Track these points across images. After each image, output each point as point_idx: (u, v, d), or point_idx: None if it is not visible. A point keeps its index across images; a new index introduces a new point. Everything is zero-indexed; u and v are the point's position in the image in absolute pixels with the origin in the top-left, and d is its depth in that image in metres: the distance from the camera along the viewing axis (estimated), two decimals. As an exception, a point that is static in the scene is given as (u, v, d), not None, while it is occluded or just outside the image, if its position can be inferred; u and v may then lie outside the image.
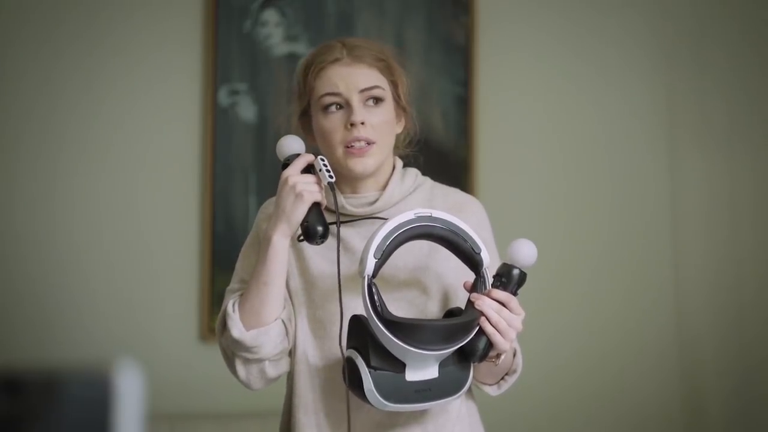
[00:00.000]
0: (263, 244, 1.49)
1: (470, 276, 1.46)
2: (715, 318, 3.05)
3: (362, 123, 1.49)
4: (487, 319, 1.40)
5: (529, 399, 2.92)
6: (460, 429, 1.55)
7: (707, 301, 3.08)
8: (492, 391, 1.59)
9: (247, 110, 2.87)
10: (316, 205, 1.46)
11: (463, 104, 3.02)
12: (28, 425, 0.59)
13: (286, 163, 1.50)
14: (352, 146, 1.50)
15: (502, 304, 1.41)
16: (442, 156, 2.98)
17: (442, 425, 1.52)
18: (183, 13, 2.87)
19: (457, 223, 1.43)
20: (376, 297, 1.35)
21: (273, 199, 1.62)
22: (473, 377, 1.56)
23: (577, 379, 3.03)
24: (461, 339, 1.39)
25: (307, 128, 1.60)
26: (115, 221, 2.78)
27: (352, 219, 1.57)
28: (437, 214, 1.42)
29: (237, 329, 1.47)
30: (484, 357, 1.43)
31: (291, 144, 1.52)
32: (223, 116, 2.85)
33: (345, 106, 1.51)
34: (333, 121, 1.51)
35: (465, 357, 1.42)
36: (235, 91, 2.87)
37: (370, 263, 1.36)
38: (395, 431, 1.50)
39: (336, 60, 1.53)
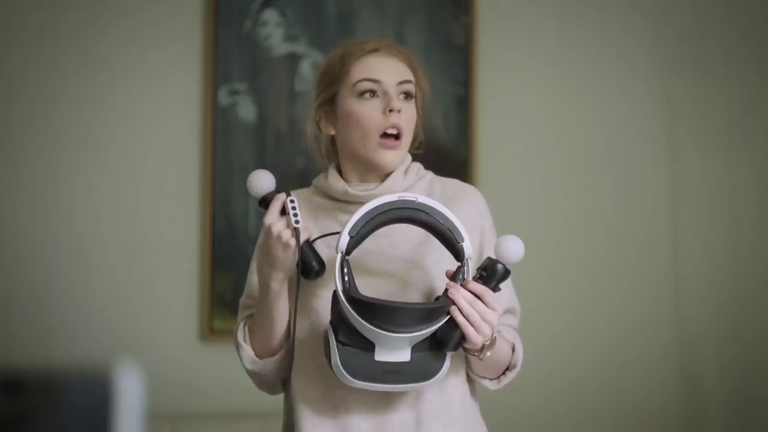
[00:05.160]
0: (263, 290, 1.52)
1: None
2: (715, 318, 3.05)
3: (399, 111, 1.53)
4: (459, 309, 1.40)
5: (529, 399, 2.92)
6: (462, 421, 1.55)
7: (707, 301, 3.08)
8: (491, 385, 1.59)
9: (247, 110, 2.87)
10: (305, 243, 1.47)
11: (463, 104, 3.02)
12: (28, 425, 0.60)
13: (262, 201, 1.50)
14: (387, 135, 1.53)
15: (478, 296, 1.41)
16: (442, 156, 2.98)
17: (437, 416, 1.51)
18: (183, 13, 2.87)
19: (441, 211, 1.43)
20: (346, 274, 1.37)
21: None
22: (474, 372, 1.56)
23: (577, 378, 3.03)
24: (428, 325, 1.39)
25: (327, 117, 1.61)
26: (115, 221, 2.78)
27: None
28: (422, 199, 1.42)
29: (248, 361, 1.58)
30: (456, 347, 1.43)
31: (263, 180, 1.50)
32: (223, 116, 2.85)
33: (381, 95, 1.54)
34: (369, 107, 1.54)
35: (439, 346, 1.42)
36: (235, 91, 2.87)
37: (344, 240, 1.38)
38: (389, 415, 1.50)
39: (374, 50, 1.57)
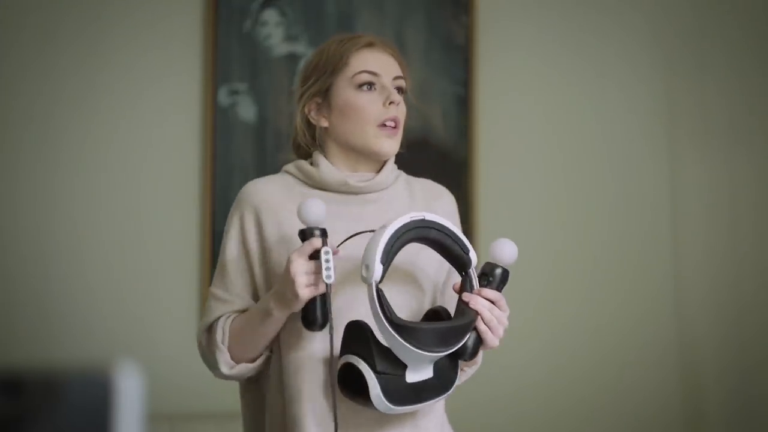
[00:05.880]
0: (264, 311, 1.47)
1: (445, 270, 1.50)
2: (715, 318, 3.05)
3: (398, 104, 1.56)
4: (482, 318, 1.44)
5: (529, 399, 2.92)
6: (440, 415, 1.60)
7: (707, 301, 3.08)
8: None
9: (247, 110, 2.87)
10: (321, 296, 1.42)
11: (463, 104, 3.02)
12: (28, 425, 0.59)
13: (301, 233, 1.43)
14: (385, 125, 1.55)
15: (492, 302, 1.45)
16: (442, 156, 2.98)
17: (433, 408, 1.56)
18: (183, 13, 2.87)
19: (447, 225, 1.45)
20: (384, 302, 1.36)
21: (253, 183, 1.62)
22: None
23: (577, 379, 3.03)
24: (461, 339, 1.42)
25: (320, 109, 1.61)
26: (115, 221, 2.78)
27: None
28: (429, 216, 1.44)
29: (226, 366, 1.54)
30: (474, 355, 1.46)
31: (312, 211, 1.42)
32: (223, 116, 2.85)
33: (379, 88, 1.57)
34: (366, 99, 1.56)
35: (454, 355, 1.45)
36: (235, 91, 2.87)
37: (378, 269, 1.36)
38: (392, 422, 1.51)
39: (371, 44, 1.60)
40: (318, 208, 1.42)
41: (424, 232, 1.42)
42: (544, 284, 2.98)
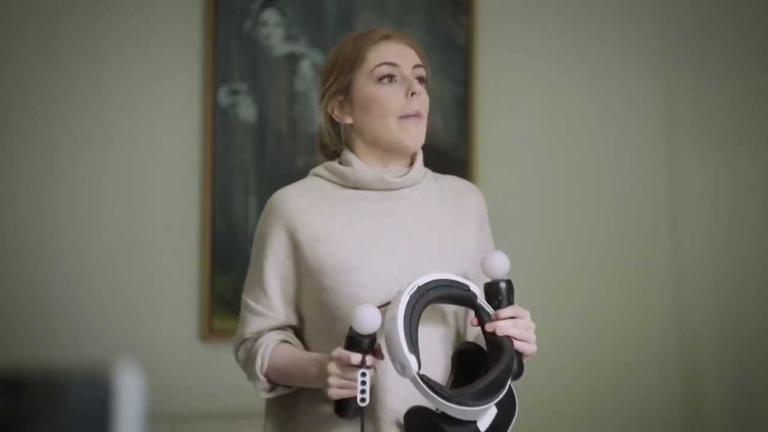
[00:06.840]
0: (306, 369, 1.47)
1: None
2: (715, 318, 3.05)
3: (419, 94, 1.56)
4: (514, 338, 1.45)
5: (529, 399, 2.90)
6: None
7: (707, 301, 3.08)
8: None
9: (247, 110, 2.87)
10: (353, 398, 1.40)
11: (463, 104, 3.02)
12: (28, 425, 0.60)
13: (349, 340, 1.39)
14: (407, 117, 1.54)
15: (512, 316, 1.46)
16: (442, 156, 2.97)
17: None
18: (183, 13, 2.87)
19: (440, 277, 1.44)
20: (435, 386, 1.35)
21: (281, 191, 1.60)
22: None
23: (577, 379, 3.03)
24: (512, 372, 1.43)
25: (342, 106, 1.60)
26: (115, 221, 2.78)
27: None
28: (421, 280, 1.42)
29: (263, 391, 1.55)
30: (521, 371, 1.47)
31: (363, 320, 1.37)
32: (223, 116, 2.85)
33: (399, 79, 1.56)
34: (387, 92, 1.55)
35: None
36: (235, 91, 2.87)
37: (413, 362, 1.34)
38: None
39: (387, 36, 1.59)
40: (370, 317, 1.37)
41: (426, 297, 1.41)
42: (544, 284, 2.98)
